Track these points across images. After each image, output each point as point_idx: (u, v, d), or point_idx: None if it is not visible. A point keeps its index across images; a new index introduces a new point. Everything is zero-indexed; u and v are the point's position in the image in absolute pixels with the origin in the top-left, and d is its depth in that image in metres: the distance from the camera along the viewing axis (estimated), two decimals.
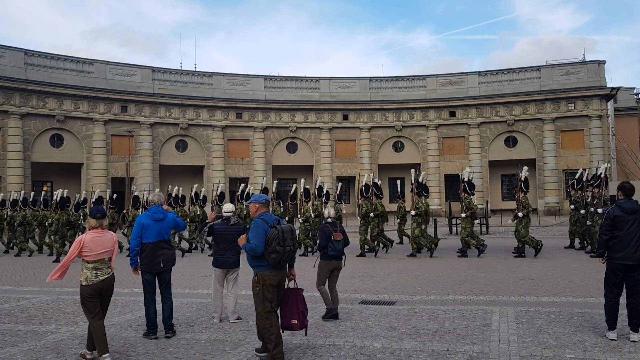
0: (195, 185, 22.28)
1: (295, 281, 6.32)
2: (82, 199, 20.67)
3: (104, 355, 6.05)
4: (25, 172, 34.07)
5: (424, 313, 8.40)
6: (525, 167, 17.15)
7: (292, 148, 43.09)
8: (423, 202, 17.09)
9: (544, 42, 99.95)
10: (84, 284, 6.15)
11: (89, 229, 6.32)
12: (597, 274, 11.41)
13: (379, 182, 19.74)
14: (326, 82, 43.48)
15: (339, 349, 6.51)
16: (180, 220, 7.88)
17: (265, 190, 20.14)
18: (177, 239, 19.25)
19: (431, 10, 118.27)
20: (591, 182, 17.03)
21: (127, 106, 38.21)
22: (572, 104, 40.45)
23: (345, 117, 43.10)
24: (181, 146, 40.63)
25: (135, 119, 38.40)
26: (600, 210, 15.78)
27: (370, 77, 44.08)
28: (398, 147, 43.71)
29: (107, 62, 38.66)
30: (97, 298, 6.20)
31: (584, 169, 17.86)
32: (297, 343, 6.81)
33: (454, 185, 41.55)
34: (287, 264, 6.18)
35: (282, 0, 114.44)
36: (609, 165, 17.15)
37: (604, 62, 40.74)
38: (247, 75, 42.61)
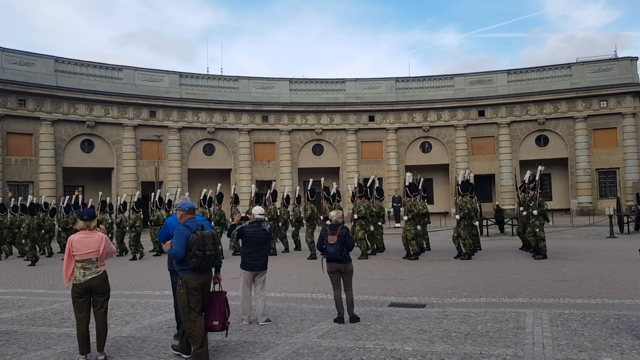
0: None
1: (220, 285, 6.59)
2: (64, 204, 21.88)
3: (80, 356, 6.33)
4: (57, 178, 34.77)
5: (455, 316, 8.27)
6: (462, 171, 17.10)
7: (318, 150, 43.07)
8: (375, 204, 18.10)
9: (576, 38, 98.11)
10: (74, 282, 6.44)
11: (79, 230, 6.60)
12: (633, 275, 11.14)
13: (335, 187, 19.84)
14: (352, 83, 43.34)
15: (369, 352, 6.44)
16: (208, 223, 7.89)
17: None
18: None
19: (458, 9, 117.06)
20: (529, 184, 16.82)
21: (155, 111, 38.71)
22: (604, 102, 39.58)
23: (372, 119, 42.87)
24: (209, 150, 41.00)
25: (164, 124, 38.89)
26: (535, 212, 15.64)
27: (397, 78, 43.75)
28: (426, 148, 43.30)
29: (136, 68, 39.23)
30: (86, 296, 6.44)
31: (530, 171, 17.37)
32: (327, 345, 6.76)
33: (485, 186, 41.12)
34: (214, 269, 6.51)
35: (306, 2, 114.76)
36: (543, 168, 16.90)
37: (636, 58, 39.73)
38: (273, 79, 42.78)
